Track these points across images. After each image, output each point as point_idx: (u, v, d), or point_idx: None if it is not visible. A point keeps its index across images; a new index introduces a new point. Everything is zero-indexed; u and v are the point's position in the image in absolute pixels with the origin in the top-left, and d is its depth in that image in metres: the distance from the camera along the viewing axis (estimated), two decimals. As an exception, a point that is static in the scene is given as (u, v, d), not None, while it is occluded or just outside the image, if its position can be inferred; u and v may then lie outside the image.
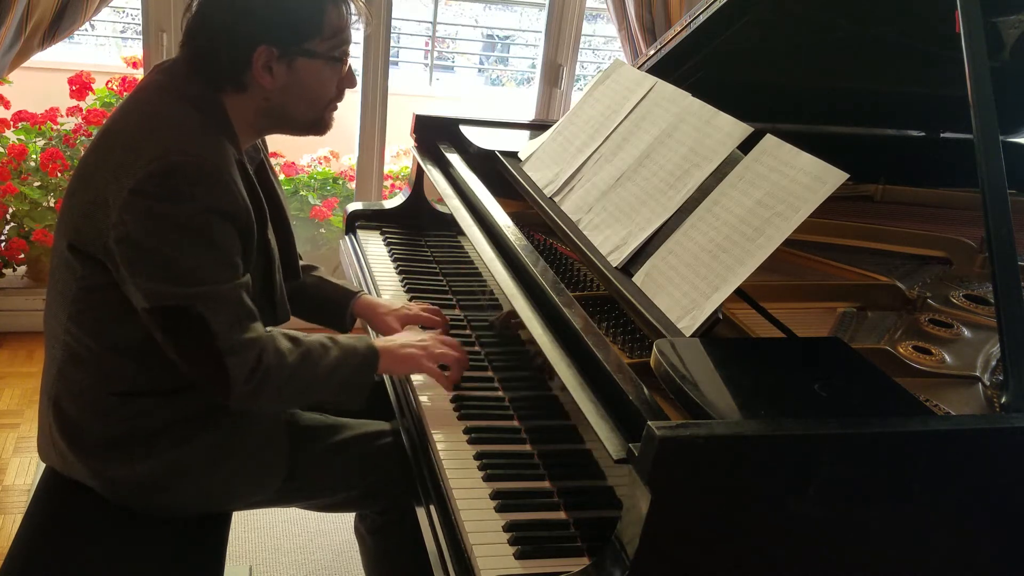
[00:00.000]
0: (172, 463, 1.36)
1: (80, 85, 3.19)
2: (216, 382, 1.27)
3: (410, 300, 1.81)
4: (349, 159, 3.68)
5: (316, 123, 1.41)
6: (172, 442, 1.36)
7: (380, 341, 1.47)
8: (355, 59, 3.10)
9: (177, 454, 1.37)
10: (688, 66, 1.94)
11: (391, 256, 2.02)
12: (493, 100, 5.15)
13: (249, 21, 1.28)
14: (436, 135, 2.09)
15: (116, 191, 1.21)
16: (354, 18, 1.38)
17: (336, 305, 1.68)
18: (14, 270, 3.15)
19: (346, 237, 2.15)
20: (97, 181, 1.25)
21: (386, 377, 1.67)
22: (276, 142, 3.64)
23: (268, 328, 1.35)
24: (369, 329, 1.72)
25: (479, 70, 5.59)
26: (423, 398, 1.48)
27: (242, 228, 1.29)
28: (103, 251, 1.25)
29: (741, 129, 1.38)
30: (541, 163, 1.77)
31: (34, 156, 3.11)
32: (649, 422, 0.94)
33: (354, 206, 2.19)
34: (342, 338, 1.41)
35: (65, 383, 1.35)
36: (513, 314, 1.41)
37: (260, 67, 1.29)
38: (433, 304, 1.79)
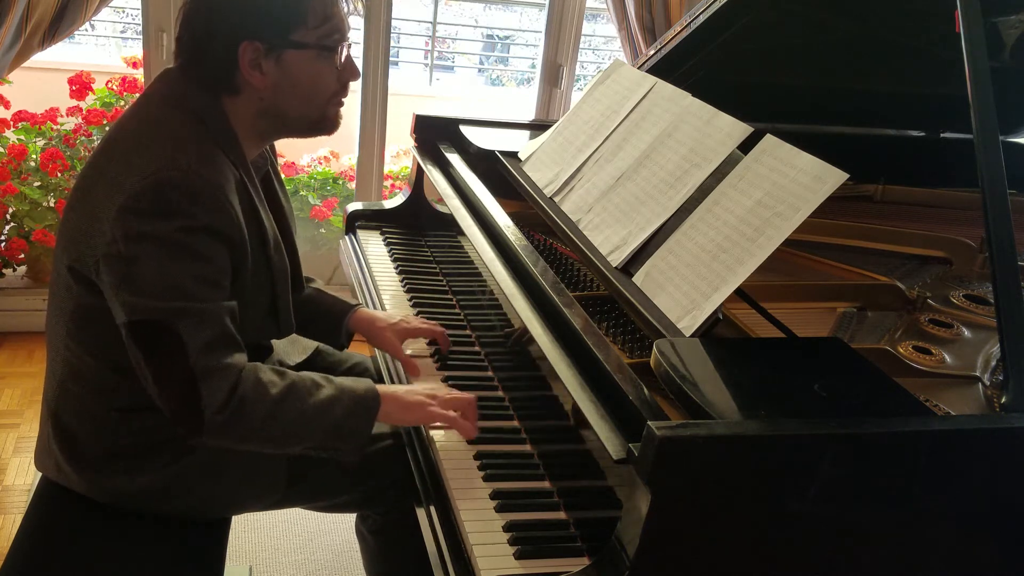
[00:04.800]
0: (172, 475, 1.34)
1: (80, 85, 3.20)
2: (188, 408, 1.19)
3: (410, 300, 1.80)
4: (349, 159, 3.68)
5: (319, 121, 1.34)
6: (173, 456, 1.34)
7: (384, 387, 1.35)
8: (355, 58, 3.13)
9: (177, 467, 1.34)
10: (688, 66, 1.94)
11: (391, 256, 2.02)
12: (493, 100, 5.15)
13: (227, 17, 1.23)
14: (436, 135, 2.09)
15: (108, 208, 1.18)
16: (347, 5, 1.31)
17: (332, 317, 1.60)
18: (14, 270, 3.15)
19: (346, 237, 2.15)
20: (93, 196, 1.22)
21: (385, 375, 1.66)
22: (277, 142, 3.64)
23: (262, 352, 1.32)
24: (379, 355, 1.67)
25: (479, 70, 5.59)
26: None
27: (234, 248, 1.24)
28: (95, 270, 1.21)
29: (741, 129, 1.38)
30: (541, 163, 1.77)
31: (34, 156, 3.11)
32: (649, 422, 0.94)
33: (354, 206, 2.19)
34: (340, 379, 1.32)
35: (67, 398, 1.33)
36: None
37: (247, 65, 1.24)
38: (433, 304, 1.80)
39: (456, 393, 1.38)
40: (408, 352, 1.58)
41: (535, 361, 1.40)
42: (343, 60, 1.32)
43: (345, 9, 1.32)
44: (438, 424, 1.36)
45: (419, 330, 1.60)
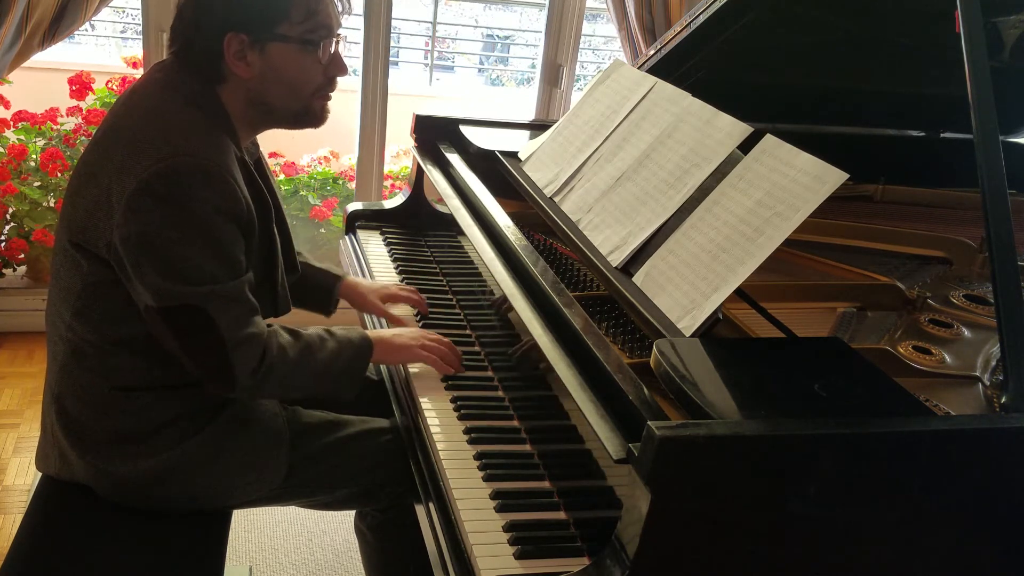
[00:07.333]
0: (174, 459, 1.37)
1: (80, 85, 3.20)
2: (221, 377, 1.30)
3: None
4: (349, 159, 3.68)
5: (303, 113, 1.38)
6: (174, 438, 1.37)
7: (374, 332, 1.50)
8: (355, 59, 3.12)
9: (179, 450, 1.37)
10: (688, 66, 1.94)
11: (391, 256, 2.02)
12: (493, 100, 5.15)
13: (214, 9, 1.28)
14: (436, 135, 2.09)
15: (119, 191, 1.22)
16: (339, 3, 1.36)
17: (322, 291, 1.71)
18: (14, 270, 3.15)
19: (346, 237, 2.15)
20: (100, 180, 1.25)
21: (385, 376, 1.67)
22: (277, 142, 3.65)
23: (268, 322, 1.36)
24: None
25: (479, 70, 5.59)
26: (423, 397, 1.48)
27: (244, 226, 1.30)
28: (107, 249, 1.25)
29: (741, 129, 1.38)
30: (541, 163, 1.77)
31: (34, 156, 3.11)
32: (649, 422, 0.94)
33: (354, 206, 2.19)
34: (337, 330, 1.45)
35: (68, 380, 1.35)
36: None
37: (233, 55, 1.29)
38: (433, 304, 1.80)
39: (436, 336, 1.54)
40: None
41: (535, 361, 1.40)
42: (330, 55, 1.36)
43: (339, 7, 1.36)
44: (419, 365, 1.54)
45: (398, 295, 1.74)
